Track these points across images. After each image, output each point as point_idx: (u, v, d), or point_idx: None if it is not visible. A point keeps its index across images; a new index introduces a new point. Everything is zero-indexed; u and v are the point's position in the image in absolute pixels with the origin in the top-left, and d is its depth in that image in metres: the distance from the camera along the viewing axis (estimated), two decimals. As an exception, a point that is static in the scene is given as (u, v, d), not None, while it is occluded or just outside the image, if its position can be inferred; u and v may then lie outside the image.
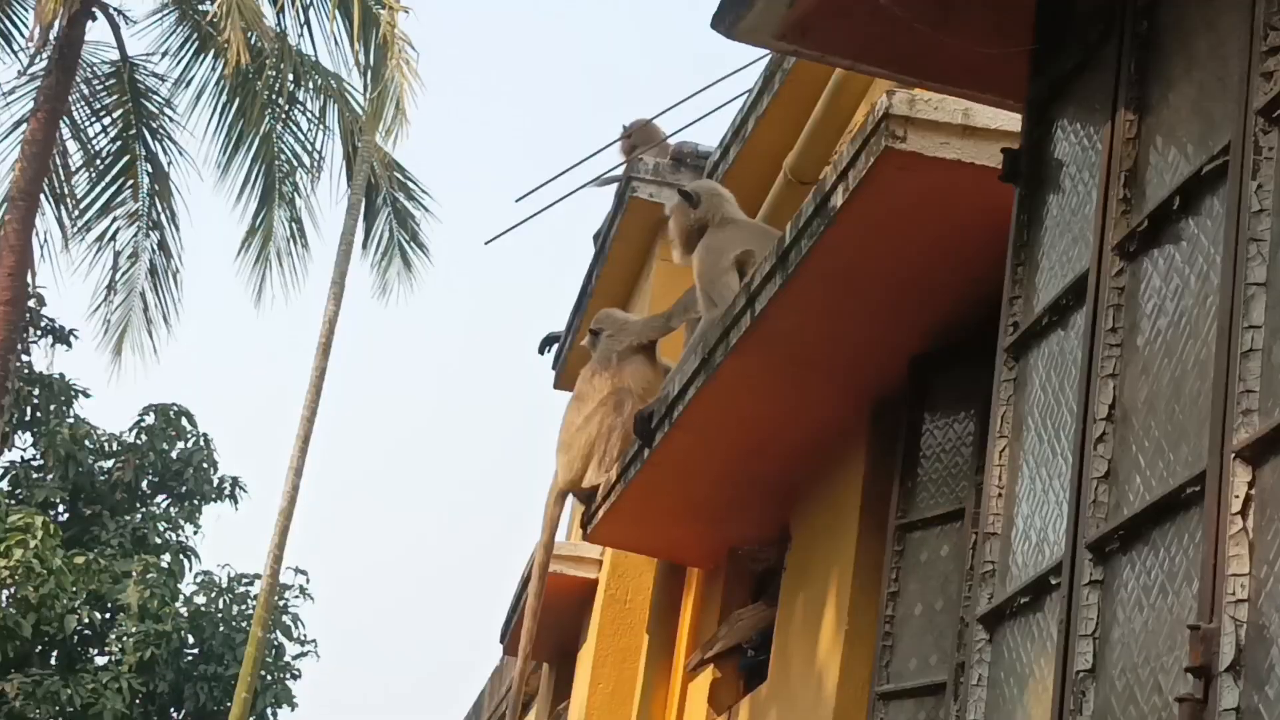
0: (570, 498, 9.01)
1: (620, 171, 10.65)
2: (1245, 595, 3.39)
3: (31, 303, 21.70)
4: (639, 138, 10.42)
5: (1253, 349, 3.50)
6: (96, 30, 21.01)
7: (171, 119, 18.82)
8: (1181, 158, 3.98)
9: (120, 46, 18.46)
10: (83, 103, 18.59)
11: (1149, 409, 3.91)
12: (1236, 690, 3.34)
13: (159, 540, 22.16)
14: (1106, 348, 4.11)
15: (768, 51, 7.99)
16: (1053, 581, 4.15)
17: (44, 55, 16.83)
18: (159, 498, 22.85)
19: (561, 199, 10.47)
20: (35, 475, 22.23)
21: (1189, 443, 3.70)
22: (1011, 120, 5.42)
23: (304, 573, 22.59)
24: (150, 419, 22.76)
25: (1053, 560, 4.17)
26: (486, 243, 11.33)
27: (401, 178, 19.61)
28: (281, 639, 21.86)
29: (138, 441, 22.67)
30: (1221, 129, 3.78)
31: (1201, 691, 3.40)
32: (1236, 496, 3.45)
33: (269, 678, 21.31)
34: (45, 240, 18.64)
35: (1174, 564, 3.67)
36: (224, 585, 21.88)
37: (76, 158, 18.69)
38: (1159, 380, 3.89)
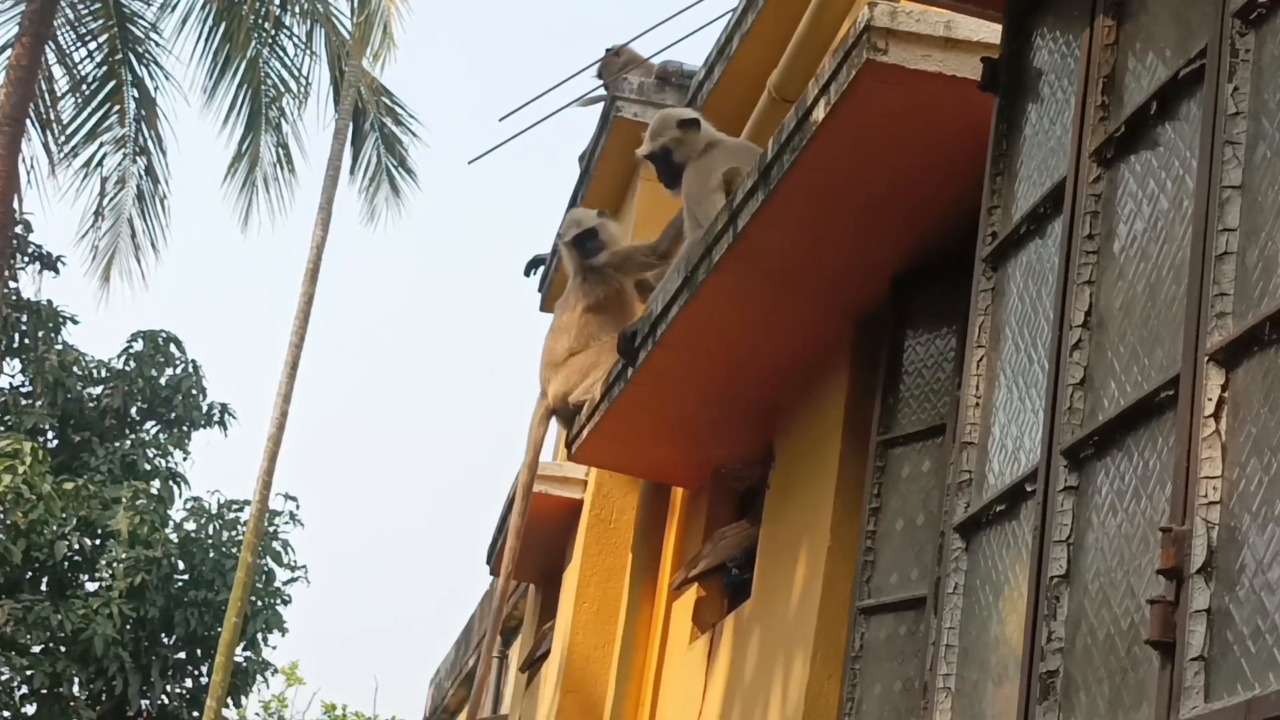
0: (554, 418, 9.01)
1: (604, 91, 10.60)
2: (1217, 497, 3.39)
3: (19, 229, 21.62)
4: (621, 62, 10.36)
5: (1227, 252, 3.50)
6: (81, -46, 20.86)
7: (158, 44, 18.75)
8: (1159, 62, 3.96)
9: (106, -30, 18.37)
10: (68, 27, 18.49)
11: (1125, 315, 3.91)
12: (1208, 591, 3.35)
13: (148, 466, 22.15)
14: (1083, 255, 4.10)
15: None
16: (1028, 489, 4.15)
17: (28, -21, 16.72)
18: (148, 424, 22.83)
19: (545, 119, 10.45)
20: (24, 402, 22.21)
21: (1164, 347, 3.70)
22: (994, 32, 5.38)
23: (294, 499, 22.59)
24: (139, 345, 22.72)
25: (1028, 468, 4.17)
26: (470, 162, 11.47)
27: (389, 103, 19.54)
28: (271, 564, 21.89)
29: (126, 368, 22.64)
30: (1199, 33, 3.77)
31: (1173, 593, 3.41)
32: (1210, 399, 3.45)
33: (259, 603, 21.36)
34: (32, 166, 18.58)
35: (1147, 468, 3.68)
36: (214, 511, 21.89)
37: (62, 83, 18.61)
38: (1135, 286, 3.89)
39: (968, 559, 4.48)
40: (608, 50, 10.51)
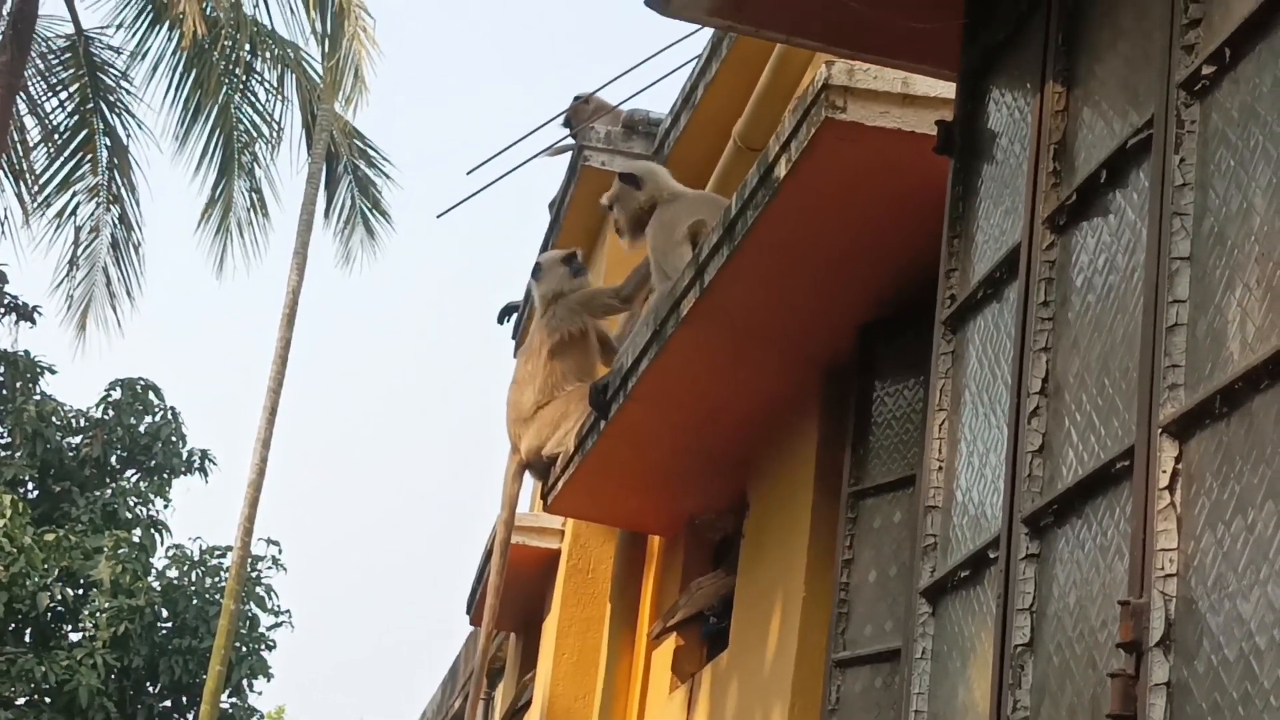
0: (527, 471, 9.02)
1: (572, 140, 10.63)
2: (1174, 570, 3.40)
3: (-6, 280, 21.62)
4: (590, 110, 10.40)
5: (1177, 324, 3.51)
6: (50, 4, 20.92)
7: (129, 92, 18.78)
8: (1108, 131, 3.98)
9: (75, 19, 18.37)
10: (39, 77, 18.51)
11: (1080, 383, 3.92)
12: (1167, 665, 3.36)
13: (129, 515, 22.11)
14: (1039, 321, 4.12)
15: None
16: (991, 555, 4.16)
17: (-3, 31, 16.74)
18: (128, 472, 22.80)
19: (511, 171, 10.47)
20: (3, 453, 22.18)
21: (1119, 417, 3.71)
22: (951, 88, 5.42)
23: (276, 543, 22.57)
24: (117, 393, 22.70)
25: (991, 534, 4.18)
26: (439, 216, 11.31)
27: (361, 145, 19.57)
28: (255, 610, 21.85)
29: (105, 416, 22.61)
30: (1145, 102, 3.79)
31: (1133, 666, 3.42)
32: (1164, 471, 3.46)
33: (244, 649, 21.32)
34: (5, 217, 18.60)
35: (1106, 538, 3.69)
36: (196, 558, 21.86)
37: (34, 133, 18.63)
38: (1090, 354, 3.90)
39: (934, 624, 4.49)
40: (576, 98, 10.55)
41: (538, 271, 8.84)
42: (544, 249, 11.28)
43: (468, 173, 10.42)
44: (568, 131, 10.61)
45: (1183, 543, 3.41)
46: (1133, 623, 3.42)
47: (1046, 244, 4.15)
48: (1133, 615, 3.43)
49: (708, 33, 9.39)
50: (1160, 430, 3.49)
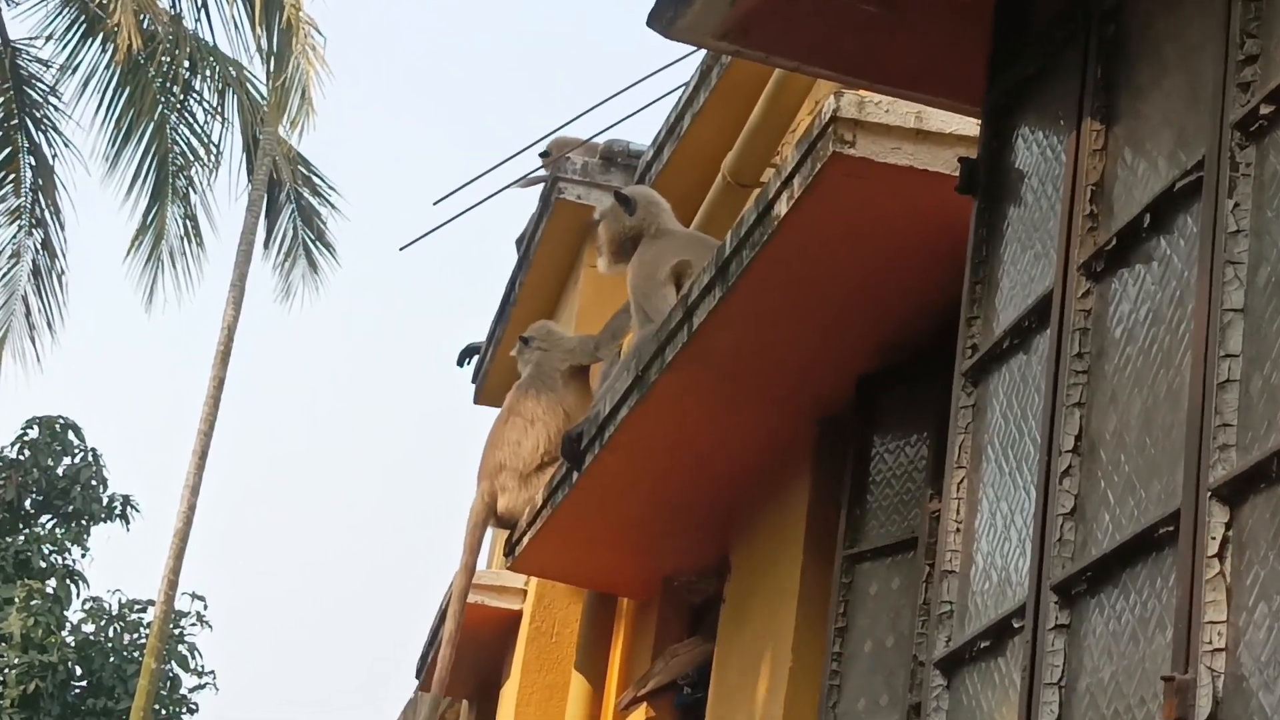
0: (495, 522, 8.99)
1: (545, 172, 10.64)
2: (1223, 644, 3.40)
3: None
4: (569, 144, 10.44)
5: (1230, 379, 3.52)
6: (-26, 13, 20.83)
7: (57, 108, 18.70)
8: (1152, 172, 4.00)
9: (1, 29, 18.32)
10: (-42, 91, 18.45)
11: (1118, 441, 3.93)
12: (1214, 746, 3.36)
13: (43, 564, 21.96)
14: (1072, 374, 4.13)
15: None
16: (1015, 625, 4.16)
17: (-83, 41, 16.69)
18: (44, 518, 22.65)
19: (481, 202, 10.46)
20: (-93, 494, 22.03)
21: (1161, 479, 3.72)
22: (969, 124, 5.45)
23: (201, 598, 22.45)
24: (34, 432, 22.56)
25: (1015, 602, 4.18)
26: (401, 249, 11.29)
27: (306, 172, 19.54)
28: (177, 670, 21.72)
29: (20, 457, 22.47)
30: (1195, 142, 3.81)
31: (1176, 747, 3.41)
32: (1213, 538, 3.46)
33: (164, 712, 21.17)
34: (-83, 239, 18.51)
35: (1146, 609, 3.69)
36: (114, 612, 21.72)
37: (-48, 150, 18.56)
38: (1129, 411, 3.91)
39: (949, 698, 4.48)
40: (548, 149, 10.56)
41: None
42: (511, 286, 11.26)
43: (434, 203, 10.41)
44: (541, 163, 10.62)
45: (1232, 615, 3.41)
46: (1177, 700, 3.42)
47: (1082, 292, 4.16)
48: (1177, 692, 3.42)
49: (693, 61, 9.43)
50: (1209, 494, 3.49)
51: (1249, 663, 3.34)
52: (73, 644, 21.12)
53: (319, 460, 58.11)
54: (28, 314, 19.28)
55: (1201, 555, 3.47)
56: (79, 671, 21.09)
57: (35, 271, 19.28)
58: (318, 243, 19.64)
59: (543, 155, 10.60)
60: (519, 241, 11.38)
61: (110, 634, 21.48)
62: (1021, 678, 4.05)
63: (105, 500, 22.62)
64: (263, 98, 18.44)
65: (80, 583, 22.22)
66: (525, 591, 10.06)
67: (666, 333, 6.93)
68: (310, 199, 19.62)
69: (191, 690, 21.84)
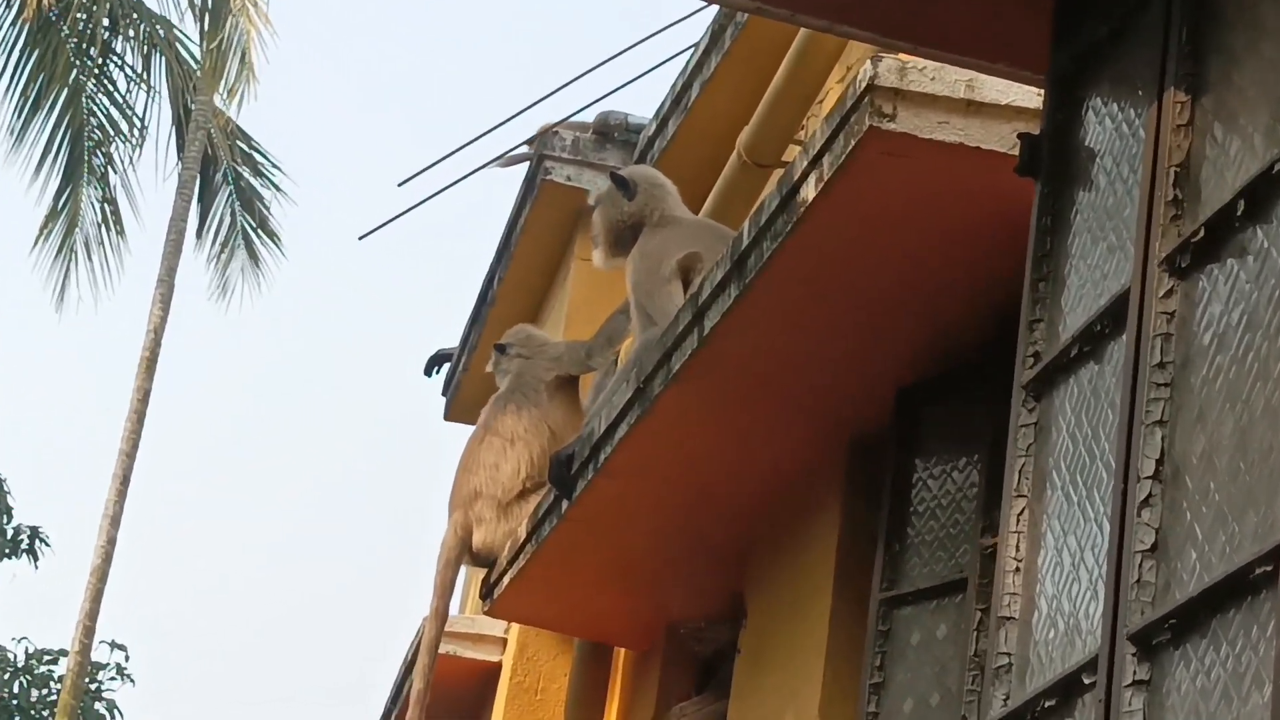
0: (470, 559, 8.99)
1: (530, 149, 10.66)
2: (1331, 703, 3.42)
3: None
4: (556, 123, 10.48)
5: (1340, 395, 3.54)
6: None
7: (-49, 73, 18.75)
8: (1247, 151, 4.01)
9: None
10: None
11: (1207, 466, 3.94)
12: (1319, 821, 3.38)
13: (-63, 607, 22.02)
14: (1153, 387, 4.14)
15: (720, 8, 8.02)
16: (1086, 681, 4.17)
17: None
18: (-63, 554, 22.69)
19: (453, 184, 10.48)
20: None
21: (1258, 510, 3.73)
22: (1029, 95, 5.46)
23: (122, 648, 22.48)
24: (-75, 453, 22.61)
25: (1086, 654, 4.19)
26: (360, 238, 11.29)
27: (247, 148, 19.60)
28: (94, 731, 21.74)
29: (-91, 482, 22.50)
30: (1298, 116, 3.82)
31: (1277, 823, 3.43)
32: (1320, 579, 3.48)
33: (78, 780, 21.19)
34: None
35: (1240, 662, 3.70)
36: (20, 664, 21.74)
37: None
38: (1220, 430, 3.92)
39: (1009, 765, 4.49)
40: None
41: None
42: (489, 283, 11.27)
43: (399, 184, 10.43)
44: (527, 139, 10.64)
45: (1342, 669, 3.42)
46: (1278, 768, 3.43)
47: (1164, 291, 4.17)
48: (1278, 759, 3.44)
49: (703, 19, 9.46)
50: (1316, 528, 3.50)
51: (1362, 725, 3.35)
52: (-29, 701, 21.16)
53: (264, 486, 58.11)
54: (-81, 315, 19.39)
55: (1306, 599, 3.48)
56: (-21, 732, 21.12)
57: (-73, 265, 19.38)
58: (259, 230, 19.69)
59: (529, 143, 10.61)
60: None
61: (15, 689, 21.50)
62: (1093, 742, 4.06)
63: (10, 533, 22.64)
64: (195, 62, 18.49)
65: (-20, 629, 22.27)
66: (505, 640, 10.06)
67: (673, 338, 6.95)
68: (251, 180, 19.67)
69: (111, 756, 21.86)
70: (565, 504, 8.00)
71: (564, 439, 8.52)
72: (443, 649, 9.37)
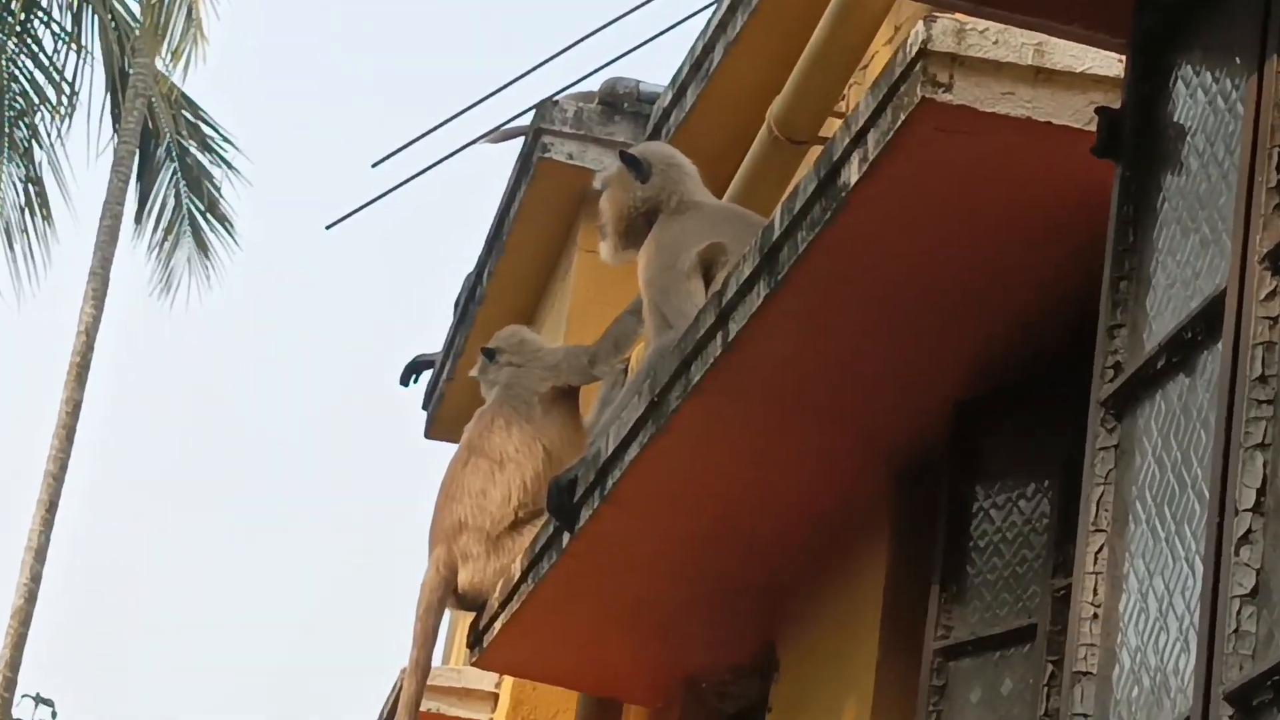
0: (455, 602, 9.00)
1: (525, 121, 10.67)
2: None
3: None
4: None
5: None
6: None
7: None
8: (1362, 129, 4.03)
9: None
10: None
11: (1316, 497, 3.95)
12: None
13: None
14: (1253, 405, 4.15)
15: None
16: (1176, 747, 4.19)
17: None
18: None
19: (435, 164, 10.47)
20: None
21: (1378, 550, 3.74)
22: (1108, 61, 5.47)
23: (49, 703, 22.49)
24: None
25: (1176, 716, 4.20)
26: (329, 226, 11.29)
27: (194, 118, 19.61)
28: (14, 802, 21.79)
29: None
30: None
31: None
32: None
33: None
34: None
35: (1355, 726, 3.72)
36: (-72, 721, 21.77)
37: None
38: (1331, 456, 3.93)
39: (1085, 844, 4.51)
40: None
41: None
42: (477, 279, 11.28)
43: (373, 165, 10.44)
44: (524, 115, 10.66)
45: None
46: None
47: (1265, 292, 4.18)
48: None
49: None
50: None
51: None
52: None
53: (214, 509, 58.04)
54: None
55: None
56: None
57: None
58: (208, 215, 19.70)
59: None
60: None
61: (-78, 752, 21.54)
62: (1184, 818, 4.07)
63: (-83, 568, 22.71)
64: (134, 19, 18.50)
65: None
66: (496, 696, 10.07)
67: (692, 343, 6.96)
68: (199, 155, 19.67)
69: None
70: (566, 537, 8.01)
71: (561, 461, 8.53)
72: (425, 706, 9.38)
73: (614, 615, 8.41)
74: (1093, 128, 5.00)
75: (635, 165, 8.17)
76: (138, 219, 19.52)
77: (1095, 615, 4.62)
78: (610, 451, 7.62)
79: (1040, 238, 6.00)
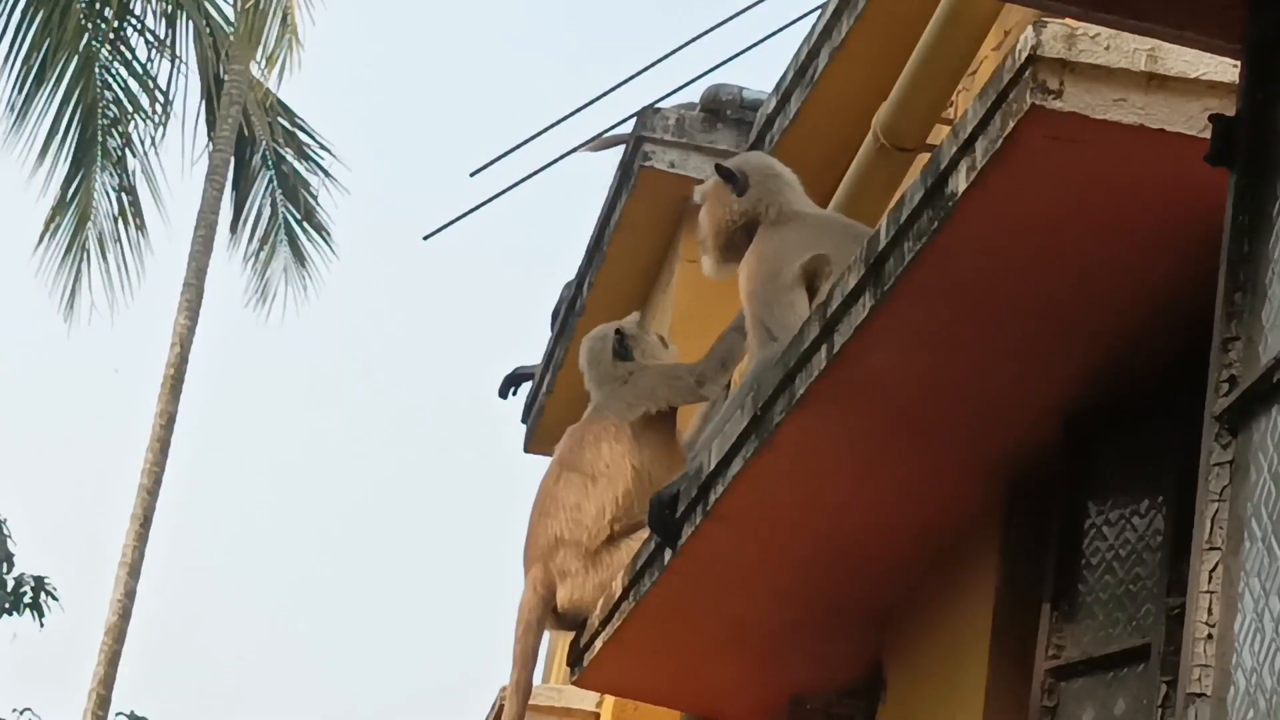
0: (555, 621, 9.00)
1: (626, 129, 10.68)
2: None
3: None
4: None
5: None
6: None
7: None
8: None
9: None
10: None
11: None
12: None
13: (-74, 671, 22.23)
14: (1374, 421, 4.14)
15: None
16: (1296, 773, 4.17)
17: None
18: (-73, 609, 22.91)
19: (535, 174, 10.49)
20: None
21: None
22: (1222, 67, 5.45)
23: (142, 720, 22.61)
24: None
25: (1295, 741, 4.19)
26: (427, 236, 11.33)
27: (290, 126, 19.66)
28: (109, 820, 21.90)
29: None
30: None
31: None
32: None
33: None
34: None
35: None
36: (23, 739, 21.93)
37: None
38: None
39: None
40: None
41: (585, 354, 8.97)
42: (578, 290, 11.29)
43: (471, 174, 10.47)
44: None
45: None
46: None
47: (1385, 305, 4.17)
48: None
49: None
50: None
51: None
52: (-35, 782, 21.35)
53: (310, 527, 58.31)
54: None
55: None
56: (-27, 822, 21.31)
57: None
58: (305, 224, 19.75)
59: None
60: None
61: (17, 771, 21.69)
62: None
63: (11, 585, 22.84)
64: (229, 25, 18.58)
65: (-24, 697, 22.47)
66: (598, 715, 10.08)
67: (796, 356, 6.96)
68: (295, 164, 19.73)
69: None
70: (669, 554, 8.02)
71: (655, 479, 8.51)
72: (527, 722, 9.40)
73: (717, 634, 8.41)
74: (1207, 135, 4.98)
75: (731, 178, 8.17)
76: (233, 228, 19.60)
77: (1210, 635, 4.61)
78: (713, 466, 7.62)
79: (1152, 248, 5.98)
